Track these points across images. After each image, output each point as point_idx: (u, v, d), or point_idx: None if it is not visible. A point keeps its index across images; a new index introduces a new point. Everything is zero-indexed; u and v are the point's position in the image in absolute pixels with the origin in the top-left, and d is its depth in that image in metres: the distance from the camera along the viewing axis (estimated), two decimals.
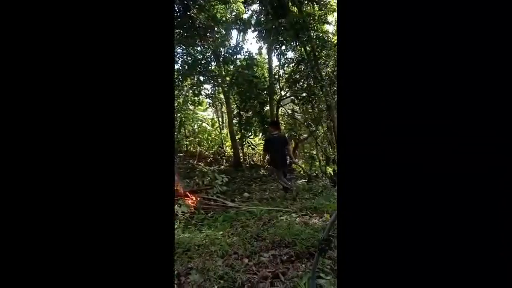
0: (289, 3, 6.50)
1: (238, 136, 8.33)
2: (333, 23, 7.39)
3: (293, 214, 3.07)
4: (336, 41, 6.91)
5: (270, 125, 4.96)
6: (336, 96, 6.61)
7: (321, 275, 1.60)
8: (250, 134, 8.81)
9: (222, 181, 4.49)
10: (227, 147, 9.37)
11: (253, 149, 8.81)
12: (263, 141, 6.06)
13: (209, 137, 9.41)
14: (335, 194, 4.20)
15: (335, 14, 7.23)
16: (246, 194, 4.65)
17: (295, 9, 6.46)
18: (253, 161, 8.57)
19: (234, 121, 8.26)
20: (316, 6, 6.78)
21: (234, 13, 7.20)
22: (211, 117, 10.14)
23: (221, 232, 2.54)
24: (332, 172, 5.69)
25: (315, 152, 7.48)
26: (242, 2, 7.03)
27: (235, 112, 8.32)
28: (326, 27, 7.09)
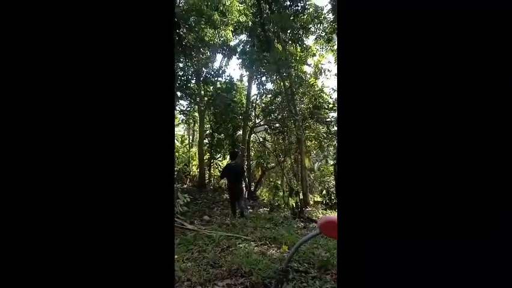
0: (275, 40, 7.00)
1: (207, 157, 8.22)
2: (312, 65, 8.05)
3: (252, 243, 3.04)
4: (312, 82, 7.47)
5: (229, 154, 5.39)
6: (306, 131, 6.99)
7: None
8: (219, 156, 8.75)
9: (184, 201, 4.32)
10: (193, 167, 9.14)
11: (220, 171, 8.70)
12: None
13: (176, 153, 9.14)
14: (295, 225, 4.27)
15: (315, 58, 7.91)
16: (206, 217, 4.50)
17: (279, 46, 6.96)
18: (218, 183, 8.42)
19: (205, 141, 8.18)
20: (298, 48, 7.37)
21: (221, 39, 7.49)
22: (181, 133, 9.94)
23: (176, 256, 2.40)
24: (293, 204, 5.81)
25: (280, 182, 7.62)
26: (231, 31, 7.37)
27: (207, 132, 8.29)
28: (305, 68, 7.69)
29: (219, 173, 8.45)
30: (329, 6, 6.68)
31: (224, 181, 4.91)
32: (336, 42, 7.72)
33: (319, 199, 7.30)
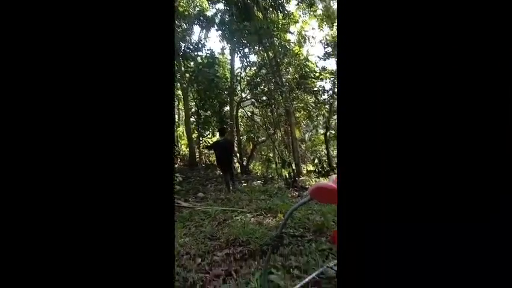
0: (255, 7, 6.62)
1: (195, 135, 8.10)
2: (295, 33, 7.75)
3: (248, 214, 3.10)
4: (297, 51, 7.25)
5: (218, 131, 5.55)
6: (294, 102, 6.92)
7: (273, 270, 1.64)
8: (208, 133, 8.64)
9: (176, 180, 4.30)
10: (182, 146, 9.03)
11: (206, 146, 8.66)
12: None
13: None
14: (289, 195, 4.37)
15: (298, 24, 7.60)
16: (200, 194, 4.53)
17: (260, 14, 6.60)
18: (209, 160, 8.41)
19: (191, 119, 8.01)
20: (280, 15, 7.03)
21: (197, 8, 7.03)
22: None
23: None
24: (287, 174, 5.91)
25: (271, 155, 7.68)
26: None
27: (193, 110, 8.08)
28: (288, 36, 7.40)
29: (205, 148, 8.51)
30: None
31: (211, 152, 5.11)
32: (321, 8, 7.41)
33: (311, 168, 7.45)
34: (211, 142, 8.28)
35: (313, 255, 1.89)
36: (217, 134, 5.47)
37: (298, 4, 7.25)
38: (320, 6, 7.42)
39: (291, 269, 1.69)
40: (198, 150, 8.09)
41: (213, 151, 5.29)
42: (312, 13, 7.50)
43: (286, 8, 6.98)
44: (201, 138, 8.26)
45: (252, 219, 2.90)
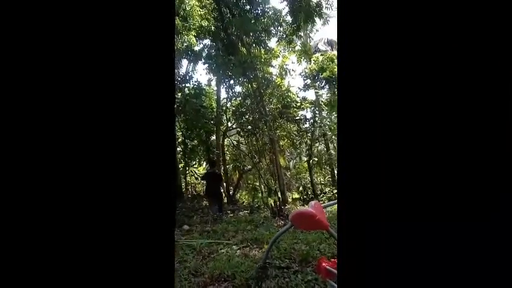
0: (239, 43, 7.07)
1: (182, 165, 8.04)
2: (277, 66, 8.24)
3: (234, 246, 3.05)
4: (279, 82, 7.66)
5: (208, 162, 6.21)
6: (278, 130, 7.13)
7: None
8: (195, 163, 8.60)
9: None
10: None
11: (196, 178, 8.56)
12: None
13: None
14: (275, 224, 4.34)
15: (279, 59, 8.12)
16: (185, 227, 4.40)
17: (244, 49, 7.03)
18: (195, 191, 8.27)
19: (178, 149, 8.00)
20: (262, 50, 7.51)
21: (185, 44, 7.39)
22: None
23: None
24: (272, 203, 5.89)
25: (258, 184, 7.68)
26: (194, 36, 7.31)
27: (179, 140, 8.11)
28: (270, 69, 7.87)
29: (196, 180, 8.42)
30: (287, 9, 6.91)
31: (203, 182, 5.86)
32: (299, 45, 8.01)
33: (297, 196, 7.48)
34: (197, 172, 8.24)
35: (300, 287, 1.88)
36: (204, 164, 5.84)
37: (278, 41, 7.81)
38: (298, 42, 8.02)
39: None
40: (184, 180, 7.98)
41: (204, 181, 5.80)
42: (291, 49, 8.07)
43: (268, 44, 7.51)
44: (187, 168, 8.19)
45: (238, 251, 2.86)
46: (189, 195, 7.64)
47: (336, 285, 0.95)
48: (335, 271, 0.94)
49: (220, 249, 2.95)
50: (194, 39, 7.48)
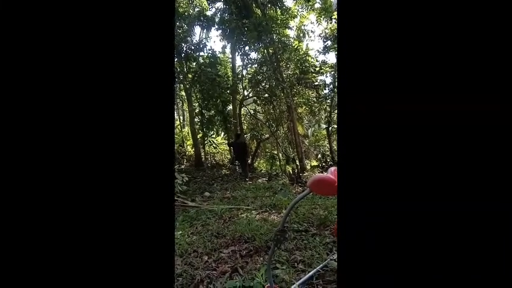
0: (253, 5, 6.62)
1: (200, 135, 8.18)
2: (294, 28, 7.72)
3: (253, 211, 3.15)
4: (296, 46, 7.23)
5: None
6: (296, 98, 6.92)
7: (277, 265, 1.69)
8: (212, 133, 8.71)
9: (182, 180, 4.38)
10: (188, 146, 9.13)
11: (215, 148, 8.73)
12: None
13: None
14: (293, 191, 4.41)
15: (296, 19, 7.57)
16: (206, 193, 4.61)
17: (258, 11, 6.60)
18: (214, 160, 8.49)
19: (195, 120, 8.09)
20: (278, 11, 7.01)
21: (197, 9, 7.06)
22: None
23: (180, 232, 2.49)
24: (290, 171, 5.94)
25: (275, 152, 7.71)
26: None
27: (197, 110, 8.16)
28: (287, 31, 7.39)
29: (214, 149, 8.77)
30: None
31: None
32: (318, 2, 7.35)
33: (315, 163, 7.46)
34: (215, 142, 8.49)
35: (318, 249, 1.94)
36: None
37: None
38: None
39: (296, 264, 1.74)
40: (203, 150, 8.18)
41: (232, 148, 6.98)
42: (310, 7, 7.45)
43: (285, 3, 6.97)
44: (205, 138, 8.34)
45: (257, 216, 2.96)
46: (208, 164, 7.88)
47: None
48: None
49: (240, 214, 3.07)
50: (206, 2, 7.11)
